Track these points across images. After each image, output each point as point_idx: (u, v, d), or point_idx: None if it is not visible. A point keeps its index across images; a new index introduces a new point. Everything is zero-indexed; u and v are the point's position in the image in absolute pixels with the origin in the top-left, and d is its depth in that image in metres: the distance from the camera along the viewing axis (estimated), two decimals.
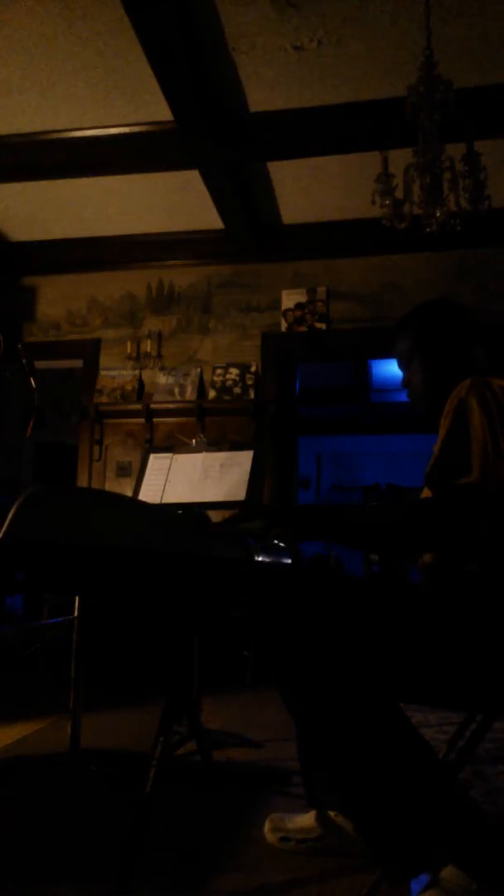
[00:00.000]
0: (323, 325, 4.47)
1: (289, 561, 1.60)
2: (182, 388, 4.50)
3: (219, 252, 4.58)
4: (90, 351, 4.74)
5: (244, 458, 2.09)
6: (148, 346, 4.63)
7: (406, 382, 1.67)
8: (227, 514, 2.09)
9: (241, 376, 4.44)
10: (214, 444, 2.28)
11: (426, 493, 1.47)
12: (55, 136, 3.57)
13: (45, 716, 3.01)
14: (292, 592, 1.34)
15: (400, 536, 1.43)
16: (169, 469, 2.17)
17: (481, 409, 1.33)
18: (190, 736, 1.97)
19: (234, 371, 4.46)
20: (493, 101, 3.17)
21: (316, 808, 1.66)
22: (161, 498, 2.12)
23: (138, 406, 4.50)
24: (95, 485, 4.51)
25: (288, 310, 4.52)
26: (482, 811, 1.34)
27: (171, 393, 4.50)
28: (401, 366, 1.68)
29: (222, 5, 2.78)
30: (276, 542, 1.55)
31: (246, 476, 2.04)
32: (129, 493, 2.31)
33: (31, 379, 2.54)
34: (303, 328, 4.48)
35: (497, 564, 1.33)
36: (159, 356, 4.64)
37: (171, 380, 4.54)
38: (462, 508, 1.31)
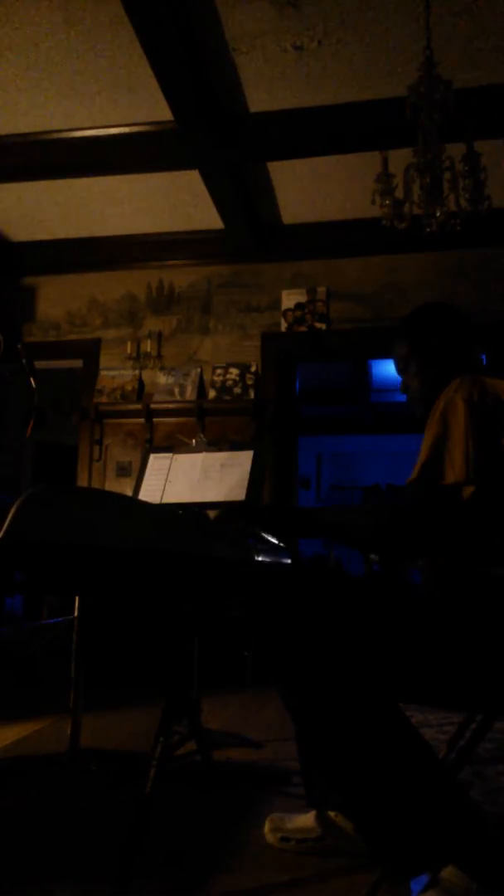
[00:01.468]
0: (323, 325, 4.47)
1: (288, 561, 1.61)
2: (182, 388, 4.50)
3: (219, 252, 4.58)
4: (90, 351, 4.74)
5: (244, 458, 2.08)
6: (148, 346, 4.63)
7: (404, 388, 1.67)
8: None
9: (241, 376, 4.44)
10: (214, 444, 2.28)
11: None
12: (55, 136, 3.57)
13: (45, 716, 3.01)
14: (292, 592, 1.34)
15: (379, 540, 1.44)
16: (169, 469, 2.17)
17: (467, 409, 1.33)
18: (190, 736, 1.98)
19: (234, 371, 4.46)
20: (493, 101, 3.17)
21: (316, 808, 1.66)
22: (161, 498, 2.12)
23: (138, 406, 4.50)
24: (95, 485, 4.51)
25: (288, 310, 4.52)
26: (482, 811, 1.34)
27: (171, 393, 4.50)
28: (398, 370, 1.68)
29: (222, 5, 2.78)
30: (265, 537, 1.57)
31: (246, 476, 2.04)
32: (129, 493, 2.31)
33: (31, 379, 2.54)
34: (303, 328, 4.48)
35: (485, 559, 1.33)
36: (159, 356, 4.64)
37: (171, 380, 4.54)
38: (442, 510, 1.31)
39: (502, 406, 1.35)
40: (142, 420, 4.52)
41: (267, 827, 1.69)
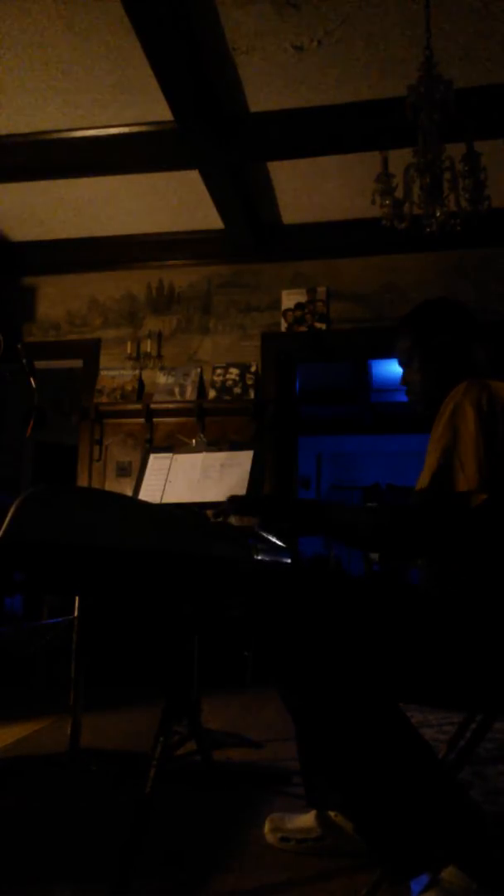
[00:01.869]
0: (323, 325, 4.47)
1: (288, 561, 1.61)
2: (182, 388, 4.50)
3: (219, 252, 4.58)
4: (90, 351, 4.74)
5: (244, 458, 2.08)
6: (148, 346, 4.63)
7: (405, 381, 1.66)
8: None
9: (241, 376, 4.44)
10: (214, 444, 2.28)
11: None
12: (55, 136, 3.57)
13: (45, 716, 3.01)
14: (291, 591, 1.33)
15: (383, 541, 1.44)
16: (169, 469, 2.17)
17: (476, 415, 1.32)
18: (190, 736, 1.98)
19: (234, 371, 4.46)
20: (493, 101, 3.17)
21: (316, 808, 1.66)
22: (161, 498, 2.12)
23: (138, 406, 4.50)
24: (95, 485, 4.51)
25: (288, 310, 4.52)
26: (482, 811, 1.34)
27: (171, 393, 4.50)
28: (401, 364, 1.68)
29: (222, 5, 2.78)
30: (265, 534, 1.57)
31: (246, 476, 2.04)
32: (129, 493, 2.31)
33: (31, 379, 2.54)
34: (303, 328, 4.48)
35: (496, 566, 1.33)
36: (159, 356, 4.64)
37: (171, 380, 4.54)
38: (452, 516, 1.30)
39: None
40: (142, 420, 4.52)
41: (267, 827, 1.69)
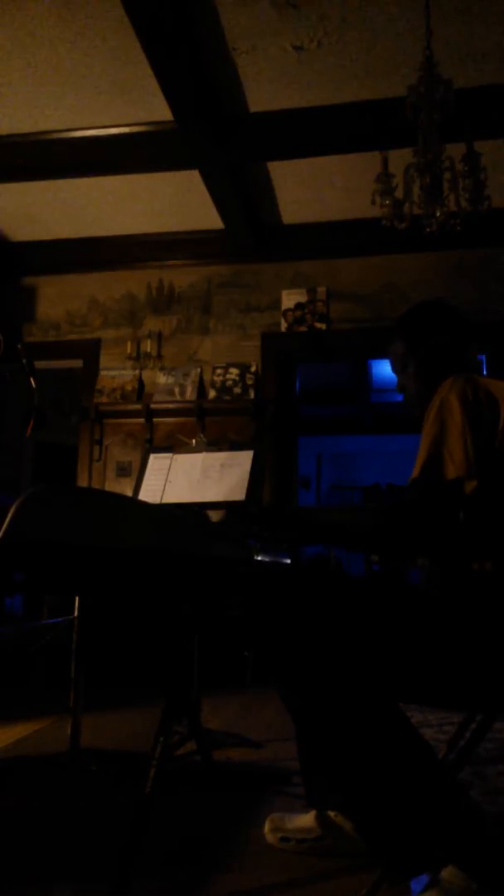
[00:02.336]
0: (323, 325, 4.47)
1: (288, 561, 1.61)
2: (182, 388, 4.50)
3: (219, 252, 4.58)
4: (90, 351, 4.74)
5: (244, 458, 2.08)
6: (148, 346, 4.63)
7: (401, 387, 1.67)
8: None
9: (241, 376, 4.44)
10: (214, 444, 2.28)
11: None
12: (55, 136, 3.57)
13: (45, 716, 3.01)
14: (291, 592, 1.34)
15: (383, 539, 1.44)
16: (169, 469, 2.17)
17: (462, 405, 1.34)
18: (190, 736, 1.97)
19: (234, 371, 4.46)
20: (493, 101, 3.17)
21: (316, 808, 1.66)
22: (161, 498, 2.12)
23: (138, 406, 4.50)
24: (95, 485, 4.51)
25: (288, 310, 4.52)
26: (482, 811, 1.34)
27: (171, 393, 4.50)
28: (395, 370, 1.68)
29: (222, 5, 2.78)
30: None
31: (246, 476, 2.04)
32: (129, 493, 2.31)
33: (31, 379, 2.54)
34: (303, 328, 4.48)
35: (495, 563, 1.33)
36: (159, 356, 4.64)
37: (171, 380, 4.54)
38: (446, 504, 1.31)
39: (494, 401, 1.36)
40: (142, 420, 4.52)
41: (267, 827, 1.68)
